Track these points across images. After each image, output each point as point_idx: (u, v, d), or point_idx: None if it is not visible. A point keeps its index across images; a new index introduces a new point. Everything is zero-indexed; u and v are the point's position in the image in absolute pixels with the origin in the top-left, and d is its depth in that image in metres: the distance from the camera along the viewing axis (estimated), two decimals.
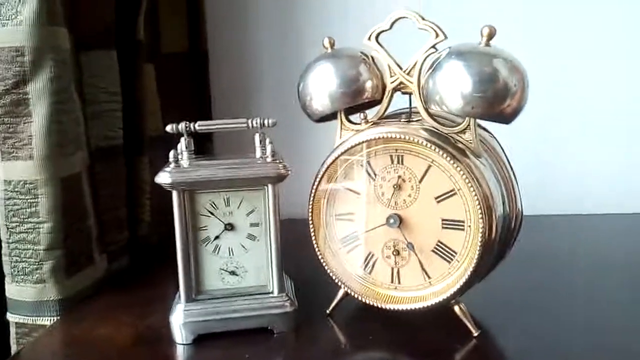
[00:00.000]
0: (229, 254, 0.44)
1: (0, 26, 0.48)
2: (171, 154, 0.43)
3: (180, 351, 0.43)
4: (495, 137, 0.46)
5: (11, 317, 0.53)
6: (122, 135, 0.62)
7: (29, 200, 0.50)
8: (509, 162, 0.45)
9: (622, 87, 0.74)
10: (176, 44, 0.77)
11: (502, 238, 0.41)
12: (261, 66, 0.82)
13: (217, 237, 0.44)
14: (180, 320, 0.43)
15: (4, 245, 0.52)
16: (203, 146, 0.80)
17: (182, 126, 0.44)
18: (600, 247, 0.63)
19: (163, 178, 0.42)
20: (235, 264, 0.45)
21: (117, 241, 0.62)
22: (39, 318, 0.52)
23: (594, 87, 0.74)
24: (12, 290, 0.52)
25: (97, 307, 0.52)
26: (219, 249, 0.44)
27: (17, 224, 0.51)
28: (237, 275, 0.45)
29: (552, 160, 0.76)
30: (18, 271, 0.51)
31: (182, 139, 0.44)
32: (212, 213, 0.44)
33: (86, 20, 0.57)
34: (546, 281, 0.53)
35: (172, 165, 0.43)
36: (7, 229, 0.51)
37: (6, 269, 0.52)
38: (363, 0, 0.75)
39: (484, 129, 0.45)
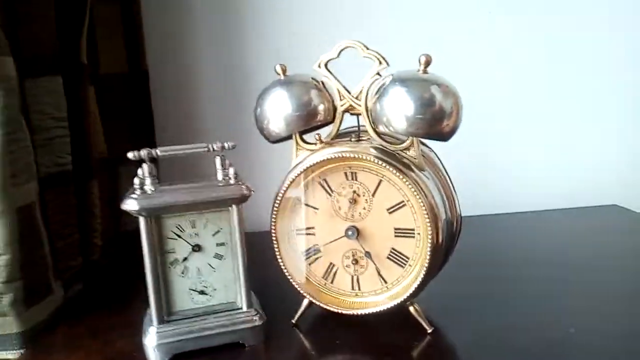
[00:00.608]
0: (197, 274, 0.46)
1: None
2: (136, 180, 0.45)
3: None
4: (433, 150, 0.51)
5: None
6: (71, 160, 0.62)
7: None
8: (446, 172, 0.50)
9: (543, 90, 0.83)
10: (115, 64, 0.77)
11: (447, 241, 0.46)
12: (202, 84, 0.83)
13: (185, 259, 0.46)
14: (154, 342, 0.45)
15: None
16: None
17: (144, 152, 0.45)
18: (530, 242, 0.70)
19: (130, 205, 0.43)
20: (204, 283, 0.47)
21: (72, 267, 0.62)
22: (1, 352, 0.51)
23: (519, 92, 0.82)
24: None
25: (62, 336, 0.52)
26: (188, 270, 0.46)
27: None
28: (206, 294, 0.47)
29: (482, 165, 0.84)
30: None
31: (145, 165, 0.46)
32: (179, 236, 0.46)
33: (29, 46, 0.56)
34: (485, 278, 0.59)
35: (138, 191, 0.44)
36: None
37: None
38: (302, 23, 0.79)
39: (424, 144, 0.50)
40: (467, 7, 0.79)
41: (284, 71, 0.48)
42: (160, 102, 0.81)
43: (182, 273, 0.46)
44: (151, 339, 0.45)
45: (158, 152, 0.46)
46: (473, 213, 0.70)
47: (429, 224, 0.43)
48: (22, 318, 0.51)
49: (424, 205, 0.43)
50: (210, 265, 0.47)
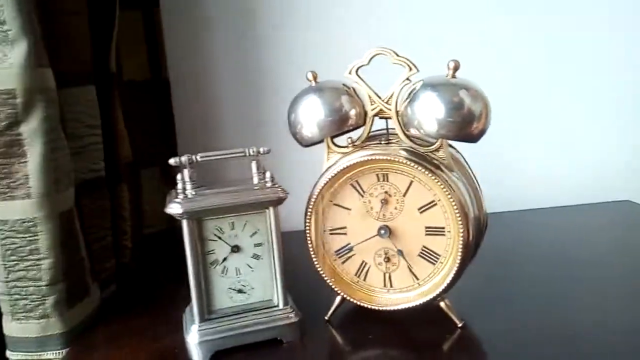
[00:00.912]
0: (236, 274, 0.48)
1: None
2: (179, 185, 0.47)
3: None
4: (459, 152, 0.53)
5: (12, 355, 0.54)
6: (104, 166, 0.64)
7: (27, 238, 0.51)
8: (472, 172, 0.52)
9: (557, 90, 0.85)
10: (137, 72, 0.79)
11: (476, 238, 0.48)
12: (222, 92, 0.86)
13: (224, 259, 0.48)
14: (196, 340, 0.47)
15: (1, 284, 0.53)
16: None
17: (184, 158, 0.47)
18: (558, 239, 0.71)
19: (174, 208, 0.45)
20: (242, 282, 0.49)
21: (106, 269, 0.64)
22: (43, 353, 0.53)
23: (527, 89, 0.85)
24: (12, 328, 0.53)
25: (103, 335, 0.54)
26: (227, 270, 0.48)
27: (16, 262, 0.52)
28: (244, 292, 0.49)
29: (492, 164, 0.85)
30: (19, 309, 0.52)
31: (185, 171, 0.48)
32: (219, 237, 0.48)
33: (66, 58, 0.59)
34: (510, 274, 0.60)
35: (181, 195, 0.46)
36: (5, 268, 0.52)
37: (4, 307, 0.53)
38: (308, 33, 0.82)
39: (451, 146, 0.52)
40: (470, 7, 0.81)
41: (315, 78, 0.50)
42: (180, 107, 0.84)
43: (222, 273, 0.48)
44: (194, 336, 0.47)
45: (198, 157, 0.48)
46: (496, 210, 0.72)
47: (460, 222, 0.45)
48: (65, 319, 0.53)
49: (455, 204, 0.45)
50: (248, 265, 0.49)
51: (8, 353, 0.54)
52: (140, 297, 0.63)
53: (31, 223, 0.51)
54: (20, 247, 0.52)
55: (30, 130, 0.51)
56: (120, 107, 0.70)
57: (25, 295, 0.52)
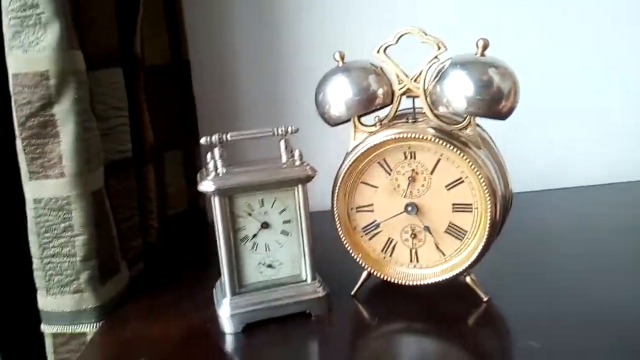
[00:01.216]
0: (266, 250, 0.50)
1: (22, 52, 0.50)
2: (210, 164, 0.48)
3: (232, 340, 0.48)
4: (485, 130, 0.54)
5: (47, 329, 0.55)
6: (131, 147, 0.65)
7: (62, 216, 0.53)
8: (498, 150, 0.53)
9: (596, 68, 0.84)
10: (158, 56, 0.80)
11: (502, 215, 0.48)
12: (242, 73, 0.86)
13: (254, 236, 0.49)
14: (228, 313, 0.48)
15: (36, 260, 0.54)
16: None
17: (215, 138, 0.48)
18: (581, 218, 0.71)
19: (207, 186, 0.46)
20: (272, 258, 0.50)
21: (133, 248, 0.65)
22: (77, 326, 0.54)
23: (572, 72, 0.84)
24: (47, 303, 0.55)
25: (134, 310, 0.55)
26: (257, 246, 0.49)
27: (50, 239, 0.53)
28: (273, 267, 0.50)
29: (532, 140, 0.85)
30: (54, 284, 0.54)
31: (216, 150, 0.49)
32: (249, 214, 0.49)
33: (93, 41, 0.59)
34: (537, 252, 0.61)
35: (212, 173, 0.47)
36: (40, 245, 0.54)
37: (40, 283, 0.55)
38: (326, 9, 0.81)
39: (477, 125, 0.52)
40: None
41: (342, 58, 0.50)
42: (201, 90, 0.84)
43: (252, 249, 0.49)
44: (225, 309, 0.48)
45: (228, 136, 0.48)
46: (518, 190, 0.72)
47: (488, 199, 0.46)
48: (98, 294, 0.55)
49: (483, 181, 0.46)
50: (277, 241, 0.50)
51: (43, 327, 0.56)
52: (166, 276, 0.65)
53: (65, 201, 0.53)
54: (55, 224, 0.53)
55: (63, 111, 0.52)
56: (143, 90, 0.71)
57: (60, 271, 0.54)
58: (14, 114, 0.52)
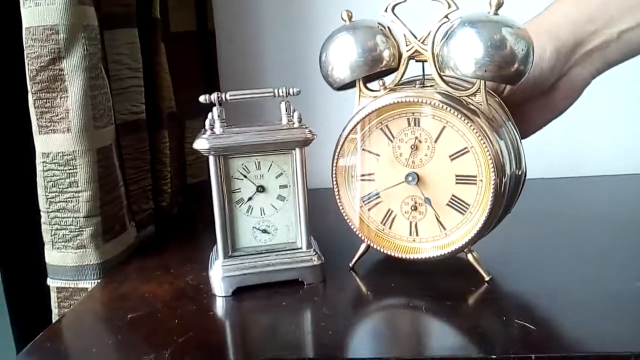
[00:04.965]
0: (261, 214, 0.48)
1: (34, 6, 0.51)
2: (207, 122, 0.47)
3: (220, 302, 0.47)
4: (501, 102, 0.50)
5: (52, 282, 0.57)
6: (145, 110, 0.65)
7: (67, 171, 0.53)
8: (514, 126, 0.49)
9: None
10: (184, 23, 0.80)
11: (509, 192, 0.45)
12: (265, 43, 0.85)
13: (249, 199, 0.48)
14: (220, 275, 0.47)
15: (43, 214, 0.55)
16: None
17: (214, 96, 0.47)
18: (596, 205, 0.68)
19: (201, 144, 0.46)
20: (267, 223, 0.49)
21: (144, 210, 0.66)
22: (80, 282, 0.55)
23: None
24: (52, 257, 0.56)
25: (135, 269, 0.56)
26: (252, 209, 0.48)
27: (57, 193, 0.54)
28: (268, 233, 0.49)
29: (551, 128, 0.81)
30: (59, 238, 0.55)
31: (215, 109, 0.47)
32: (244, 176, 0.47)
33: (111, 0, 0.60)
34: (547, 236, 0.57)
35: (208, 132, 0.46)
36: (47, 199, 0.55)
37: (46, 237, 0.56)
38: None
39: (492, 94, 0.49)
40: None
41: (350, 17, 0.48)
42: (226, 58, 0.84)
43: (247, 212, 0.48)
44: (217, 271, 0.48)
45: (227, 96, 0.47)
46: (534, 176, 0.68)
47: (493, 171, 0.43)
48: (100, 251, 0.55)
49: (488, 152, 0.43)
50: (273, 206, 0.48)
51: (49, 280, 0.57)
52: (176, 240, 0.65)
53: (70, 156, 0.53)
54: (61, 179, 0.54)
55: (72, 66, 0.52)
56: (164, 56, 0.71)
57: (65, 225, 0.55)
58: (27, 68, 0.53)
